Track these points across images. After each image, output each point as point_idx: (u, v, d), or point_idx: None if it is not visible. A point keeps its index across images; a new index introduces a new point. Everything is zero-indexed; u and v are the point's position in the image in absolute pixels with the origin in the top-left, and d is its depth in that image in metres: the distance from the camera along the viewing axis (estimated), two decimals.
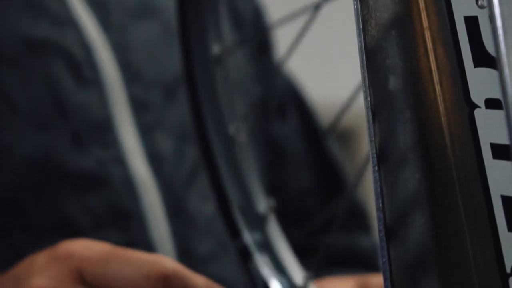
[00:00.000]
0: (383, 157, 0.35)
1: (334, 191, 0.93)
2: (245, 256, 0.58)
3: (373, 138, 0.35)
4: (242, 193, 0.59)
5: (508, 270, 0.34)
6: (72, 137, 0.71)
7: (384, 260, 0.34)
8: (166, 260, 0.51)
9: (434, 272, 0.34)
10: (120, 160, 0.72)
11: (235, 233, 0.59)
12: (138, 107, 0.75)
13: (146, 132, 0.75)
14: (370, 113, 0.36)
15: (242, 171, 0.59)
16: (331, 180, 0.93)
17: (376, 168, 0.35)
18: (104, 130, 0.73)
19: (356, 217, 0.94)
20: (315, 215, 0.91)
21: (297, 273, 0.57)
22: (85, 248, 0.54)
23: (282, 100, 0.93)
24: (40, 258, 0.54)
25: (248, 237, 0.58)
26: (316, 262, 0.65)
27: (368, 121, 0.36)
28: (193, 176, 0.76)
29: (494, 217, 0.34)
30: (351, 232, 0.92)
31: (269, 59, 0.91)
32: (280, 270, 0.57)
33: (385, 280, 0.34)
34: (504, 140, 0.35)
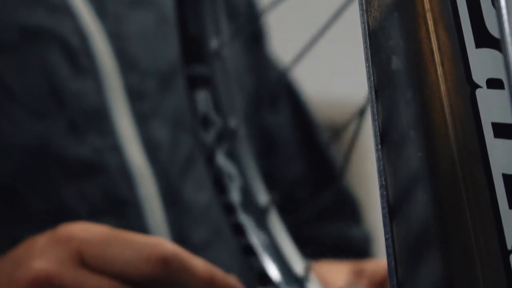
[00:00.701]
0: (386, 135, 0.36)
1: (325, 181, 0.94)
2: (191, 86, 0.61)
3: (376, 117, 0.36)
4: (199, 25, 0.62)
5: (509, 247, 0.34)
6: (68, 125, 0.71)
7: (387, 236, 0.34)
8: (166, 243, 0.52)
9: (436, 249, 0.35)
10: (116, 148, 0.72)
11: (187, 62, 0.62)
12: (134, 96, 0.75)
13: (141, 121, 0.75)
14: (373, 92, 0.36)
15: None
16: (323, 171, 0.94)
17: (379, 146, 0.36)
18: (100, 118, 0.73)
19: (347, 207, 0.95)
20: (306, 205, 0.91)
21: (232, 118, 0.60)
22: (85, 231, 0.54)
23: (275, 91, 0.93)
24: (40, 241, 0.55)
25: (196, 69, 0.61)
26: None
27: (371, 100, 0.36)
28: (188, 165, 0.77)
29: (495, 195, 0.35)
30: (342, 222, 0.93)
31: (262, 50, 0.92)
32: (218, 108, 0.60)
33: (388, 256, 0.34)
34: (506, 119, 0.35)
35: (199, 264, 0.52)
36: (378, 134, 0.36)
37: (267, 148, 0.89)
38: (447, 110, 0.36)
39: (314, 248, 0.86)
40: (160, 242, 0.52)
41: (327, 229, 0.91)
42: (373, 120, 0.36)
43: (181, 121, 0.78)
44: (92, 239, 0.53)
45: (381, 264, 0.69)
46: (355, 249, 0.90)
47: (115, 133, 0.73)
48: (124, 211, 0.71)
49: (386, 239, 0.34)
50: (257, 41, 0.91)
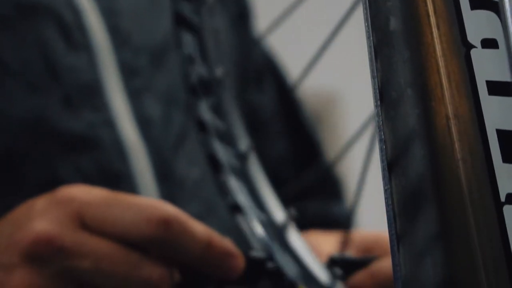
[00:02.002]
0: (385, 92, 0.37)
1: (308, 159, 0.95)
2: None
3: (375, 74, 0.37)
4: None
5: (503, 199, 0.36)
6: (63, 100, 0.72)
7: (386, 188, 0.36)
8: (166, 205, 0.53)
9: (432, 201, 0.36)
10: (110, 123, 0.73)
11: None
12: (127, 71, 0.76)
13: (134, 97, 0.76)
14: (372, 51, 0.37)
15: None
16: (306, 149, 0.95)
17: (378, 102, 0.37)
18: (94, 93, 0.74)
19: (329, 185, 0.96)
20: (290, 182, 0.92)
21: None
22: (85, 193, 0.54)
23: (259, 68, 0.95)
24: (39, 202, 0.55)
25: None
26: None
27: (371, 59, 0.37)
28: (181, 141, 0.78)
29: (489, 150, 0.36)
30: (324, 200, 0.94)
31: (248, 28, 0.93)
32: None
33: (387, 206, 0.36)
34: (499, 77, 0.36)
35: (198, 227, 0.53)
36: (377, 91, 0.37)
37: (252, 126, 0.90)
38: (442, 70, 0.38)
39: (296, 225, 0.88)
40: (160, 204, 0.53)
41: (309, 207, 0.92)
42: (372, 77, 0.37)
43: (173, 97, 0.79)
44: (92, 201, 0.53)
45: (367, 233, 0.70)
46: (336, 226, 0.91)
47: (108, 108, 0.74)
48: (117, 185, 0.72)
49: (385, 191, 0.36)
50: (243, 19, 0.92)
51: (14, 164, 0.70)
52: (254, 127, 0.90)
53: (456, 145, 0.37)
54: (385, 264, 0.65)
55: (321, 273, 0.60)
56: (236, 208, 0.62)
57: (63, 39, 0.73)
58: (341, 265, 0.61)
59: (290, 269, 0.58)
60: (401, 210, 0.36)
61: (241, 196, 0.61)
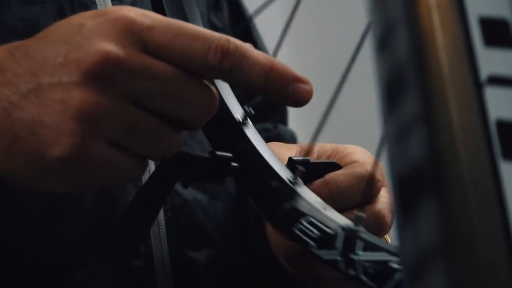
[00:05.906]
0: None
1: None
2: None
3: None
4: None
5: (483, 81, 0.37)
6: (56, 12, 0.71)
7: (377, 65, 0.37)
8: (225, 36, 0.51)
9: (415, 81, 0.37)
10: None
11: None
12: None
13: None
14: None
15: None
16: None
17: None
18: (86, 8, 0.74)
19: (277, 110, 0.97)
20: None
21: None
22: (144, 16, 0.50)
23: None
24: (90, 23, 0.50)
25: None
26: None
27: None
28: None
29: (471, 35, 0.37)
30: (271, 122, 0.95)
31: None
32: None
33: (378, 84, 0.37)
34: None
35: (259, 53, 0.51)
36: None
37: None
38: None
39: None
40: (219, 34, 0.51)
41: (259, 127, 0.93)
42: None
43: None
44: (154, 27, 0.50)
45: (325, 144, 0.71)
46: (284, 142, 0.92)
47: None
48: None
49: (376, 69, 0.37)
50: None
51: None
52: None
53: (438, 32, 0.38)
54: (339, 174, 0.66)
55: (281, 168, 0.61)
56: None
57: None
58: (300, 165, 0.62)
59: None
60: (389, 88, 0.37)
61: None
